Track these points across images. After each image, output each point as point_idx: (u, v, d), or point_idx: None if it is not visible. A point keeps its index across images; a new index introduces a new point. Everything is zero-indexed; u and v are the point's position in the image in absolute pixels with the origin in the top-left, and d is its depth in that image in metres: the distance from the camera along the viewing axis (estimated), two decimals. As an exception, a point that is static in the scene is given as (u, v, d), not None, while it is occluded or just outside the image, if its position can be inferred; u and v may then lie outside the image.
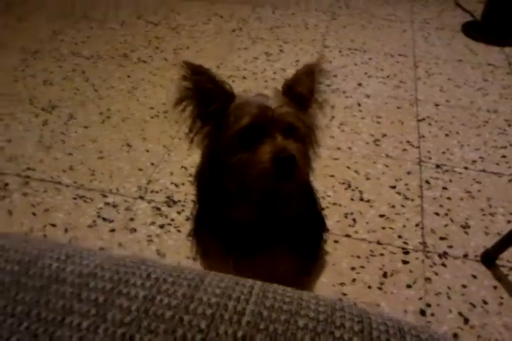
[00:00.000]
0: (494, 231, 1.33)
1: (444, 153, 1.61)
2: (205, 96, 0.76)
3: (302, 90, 0.79)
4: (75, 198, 1.37)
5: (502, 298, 1.16)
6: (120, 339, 0.35)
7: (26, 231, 1.26)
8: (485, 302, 1.15)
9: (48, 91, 1.81)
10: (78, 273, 0.41)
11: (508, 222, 1.36)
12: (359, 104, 1.81)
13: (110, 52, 2.07)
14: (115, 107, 1.74)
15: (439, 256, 1.26)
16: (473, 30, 2.35)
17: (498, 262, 1.24)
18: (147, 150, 1.55)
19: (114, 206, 1.35)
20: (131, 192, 1.40)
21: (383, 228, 1.33)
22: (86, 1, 2.50)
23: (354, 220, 1.34)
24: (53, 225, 1.29)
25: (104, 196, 1.38)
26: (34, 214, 1.32)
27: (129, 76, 1.92)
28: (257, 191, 0.76)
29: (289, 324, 0.37)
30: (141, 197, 1.38)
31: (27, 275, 0.41)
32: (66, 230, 1.27)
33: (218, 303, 0.38)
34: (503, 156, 1.60)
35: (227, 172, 0.77)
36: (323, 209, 1.29)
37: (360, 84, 1.93)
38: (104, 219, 1.31)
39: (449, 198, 1.43)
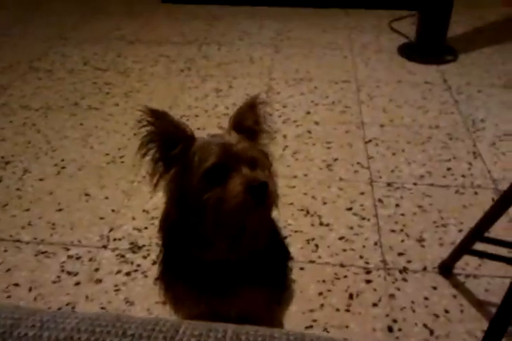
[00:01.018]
0: (448, 242, 1.39)
1: (392, 171, 1.69)
2: (167, 140, 0.78)
3: (248, 123, 0.84)
4: (36, 254, 1.36)
5: (462, 305, 1.22)
6: None
7: (-10, 292, 1.24)
8: (447, 312, 1.20)
9: (0, 147, 1.81)
10: (55, 339, 0.42)
11: (460, 231, 1.43)
12: (309, 132, 1.89)
13: (60, 101, 2.09)
14: (70, 157, 1.75)
15: (400, 271, 1.31)
16: (409, 52, 2.49)
17: (454, 271, 1.30)
18: (106, 198, 1.56)
19: (78, 258, 1.35)
20: (93, 242, 1.40)
21: (344, 250, 1.38)
22: (31, 52, 2.52)
23: (316, 245, 1.39)
24: (17, 285, 1.27)
25: (67, 249, 1.38)
26: (-4, 274, 1.30)
27: (81, 124, 1.94)
28: (233, 225, 0.79)
29: None
30: (105, 246, 1.39)
31: None
32: (30, 289, 1.26)
33: None
34: (449, 169, 1.69)
35: (199, 212, 0.79)
36: (285, 237, 1.32)
37: (308, 113, 2.01)
38: (69, 273, 1.30)
39: (402, 214, 1.50)
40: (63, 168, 1.69)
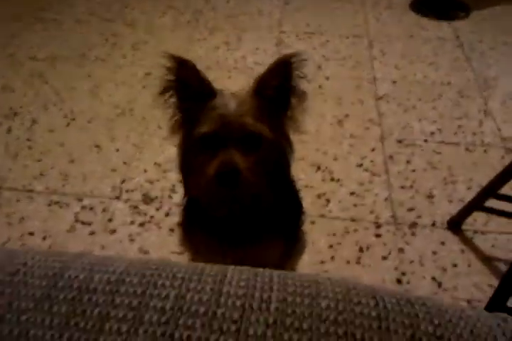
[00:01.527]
0: (457, 199, 1.41)
1: (404, 128, 1.68)
2: (187, 91, 0.77)
3: (275, 87, 0.77)
4: (49, 204, 1.37)
5: (469, 259, 1.25)
6: (161, 338, 0.38)
7: (4, 241, 1.27)
8: (455, 266, 1.23)
9: (8, 98, 1.78)
10: (107, 281, 0.43)
11: (469, 188, 1.45)
12: (320, 87, 1.86)
13: (67, 52, 2.04)
14: (79, 108, 1.73)
15: (409, 226, 1.34)
16: (420, 7, 2.42)
17: (463, 227, 1.32)
18: (117, 150, 1.56)
19: (91, 208, 1.37)
20: (106, 193, 1.41)
21: (355, 205, 1.39)
22: (35, 1, 2.43)
23: (327, 200, 1.40)
24: (31, 234, 1.29)
25: (80, 200, 1.39)
26: (10, 224, 1.32)
27: (89, 75, 1.91)
28: (209, 195, 0.80)
29: (313, 306, 0.41)
30: (117, 197, 1.40)
31: (56, 289, 0.42)
32: (44, 238, 1.28)
33: (245, 294, 0.42)
34: (459, 126, 1.69)
35: (192, 170, 0.80)
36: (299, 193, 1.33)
37: (319, 67, 1.98)
38: (83, 223, 1.32)
39: (412, 171, 1.51)
40: (73, 119, 1.68)
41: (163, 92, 0.78)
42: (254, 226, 0.89)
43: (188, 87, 0.76)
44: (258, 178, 0.78)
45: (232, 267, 0.47)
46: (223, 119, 0.74)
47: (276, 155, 0.81)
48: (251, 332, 0.39)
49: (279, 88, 0.77)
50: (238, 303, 0.41)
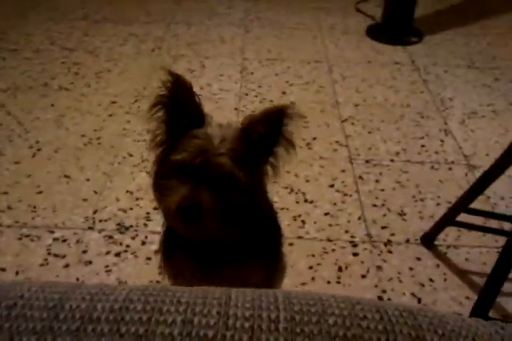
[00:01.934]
0: (427, 215, 1.46)
1: (370, 148, 1.73)
2: (177, 111, 0.76)
3: (259, 130, 0.76)
4: (20, 238, 1.32)
5: (445, 274, 1.28)
6: None
7: (-29, 278, 1.20)
8: (431, 281, 1.26)
9: (-31, 129, 1.72)
10: (110, 309, 0.41)
11: (438, 204, 1.50)
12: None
13: (29, 82, 2.00)
14: (45, 138, 1.69)
15: (384, 244, 1.36)
16: (376, 33, 2.54)
17: (436, 243, 1.36)
18: (87, 179, 1.53)
19: (64, 240, 1.32)
20: (79, 224, 1.37)
21: (330, 225, 1.41)
22: (-9, 31, 2.39)
23: (303, 222, 1.42)
24: (3, 269, 1.23)
25: (51, 232, 1.35)
26: (-22, 259, 1.26)
27: (52, 105, 1.87)
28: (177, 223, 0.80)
29: (321, 323, 0.41)
30: (91, 228, 1.36)
31: (58, 320, 0.40)
32: (17, 273, 1.23)
33: (252, 315, 0.41)
34: (423, 146, 1.76)
35: (162, 192, 0.79)
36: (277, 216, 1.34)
37: (284, 93, 2.02)
38: (56, 256, 1.28)
39: (382, 190, 1.55)
40: (39, 149, 1.64)
41: (154, 106, 0.76)
42: (233, 250, 0.89)
43: (179, 106, 0.76)
44: (222, 217, 0.76)
45: (235, 289, 0.47)
46: (203, 153, 0.73)
47: (246, 198, 0.79)
48: None
49: (265, 135, 0.76)
50: (247, 325, 0.41)
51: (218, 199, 0.74)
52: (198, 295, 0.45)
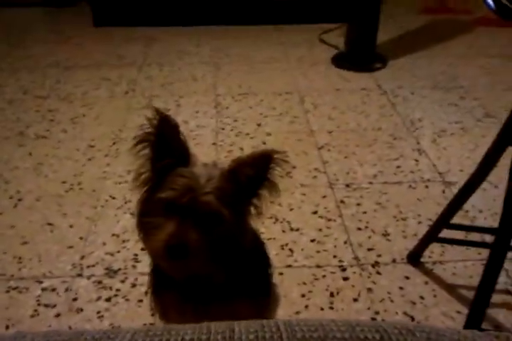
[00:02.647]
0: (411, 234, 1.49)
1: (348, 173, 1.78)
2: (163, 149, 0.77)
3: (247, 173, 0.78)
4: (7, 291, 1.30)
5: (434, 290, 1.30)
6: None
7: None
8: (422, 298, 1.28)
9: None
10: None
11: (419, 222, 1.53)
12: (264, 143, 1.94)
13: (4, 132, 2.01)
14: (25, 188, 1.69)
15: (372, 266, 1.38)
16: (342, 61, 2.64)
17: (422, 260, 1.39)
18: (71, 226, 1.52)
19: (53, 289, 1.31)
20: (66, 272, 1.36)
21: (318, 251, 1.43)
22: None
23: (291, 250, 1.43)
24: (-8, 323, 1.21)
25: (39, 282, 1.33)
26: (-35, 316, 1.23)
27: (30, 153, 1.88)
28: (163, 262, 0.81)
29: None
30: (79, 275, 1.35)
31: None
32: (7, 327, 1.20)
33: None
34: (398, 166, 1.81)
35: (147, 231, 0.80)
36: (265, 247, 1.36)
37: (259, 125, 2.07)
38: (46, 306, 1.26)
39: (364, 212, 1.58)
40: (20, 200, 1.63)
41: (139, 143, 0.78)
42: (220, 286, 0.90)
43: (165, 144, 0.77)
44: (207, 254, 0.77)
45: (237, 322, 0.48)
46: (189, 191, 0.74)
47: (230, 236, 0.81)
48: None
49: (252, 177, 0.78)
50: None
51: (204, 236, 0.75)
52: (202, 331, 0.46)
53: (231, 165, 0.79)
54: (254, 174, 0.78)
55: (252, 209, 0.82)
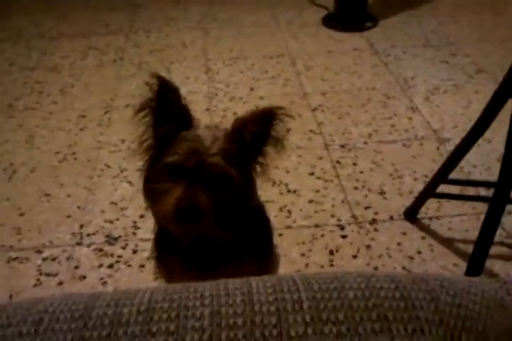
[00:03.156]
0: (406, 191, 1.50)
1: (343, 133, 1.77)
2: (165, 114, 0.76)
3: (251, 130, 0.78)
4: (8, 262, 1.31)
5: (431, 245, 1.32)
6: None
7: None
8: (419, 253, 1.30)
9: None
10: (137, 312, 0.42)
11: (415, 179, 1.54)
12: (257, 107, 1.92)
13: (-8, 105, 1.98)
14: (18, 160, 1.67)
15: (370, 223, 1.40)
16: (332, 22, 2.58)
17: (418, 216, 1.41)
18: (68, 196, 1.52)
19: (54, 259, 1.32)
20: (66, 241, 1.37)
21: (316, 212, 1.44)
22: None
23: (289, 211, 1.44)
24: (-4, 293, 1.22)
25: (40, 252, 1.34)
26: (-31, 287, 1.24)
27: (21, 125, 1.85)
28: (173, 226, 0.80)
29: (342, 298, 0.43)
30: (79, 243, 1.36)
31: (87, 329, 0.41)
32: (11, 296, 1.22)
33: (276, 299, 0.43)
34: (392, 125, 1.80)
35: (154, 197, 0.80)
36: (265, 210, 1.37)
37: (252, 89, 2.04)
38: (48, 275, 1.27)
39: (361, 172, 1.59)
40: (14, 172, 1.62)
41: (140, 110, 0.77)
42: (225, 248, 0.90)
43: (166, 109, 0.76)
44: (217, 215, 0.77)
45: (253, 277, 0.48)
46: (195, 154, 0.74)
47: (239, 197, 0.81)
48: (292, 333, 0.41)
49: (256, 135, 0.78)
50: (272, 308, 0.42)
51: (213, 198, 0.75)
52: (219, 287, 0.46)
53: (234, 124, 0.78)
54: (258, 131, 0.77)
55: (258, 168, 0.81)
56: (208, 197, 0.75)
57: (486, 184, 1.31)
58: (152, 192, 0.80)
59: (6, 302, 0.53)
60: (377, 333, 0.41)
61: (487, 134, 1.15)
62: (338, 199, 1.48)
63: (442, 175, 1.25)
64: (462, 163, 1.54)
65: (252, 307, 0.43)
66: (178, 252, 0.93)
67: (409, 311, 0.43)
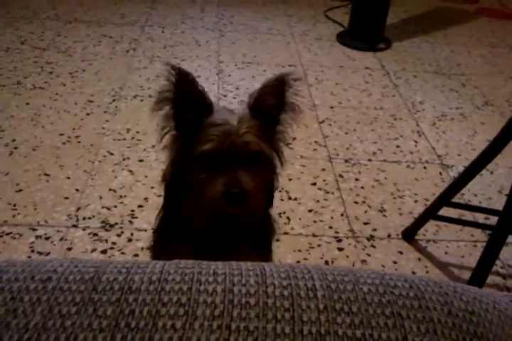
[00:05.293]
0: (406, 211, 1.51)
1: (348, 148, 1.78)
2: (185, 104, 0.76)
3: (270, 104, 0.78)
4: (0, 236, 1.28)
5: (427, 266, 1.33)
6: (218, 331, 0.38)
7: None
8: (414, 273, 1.30)
9: None
10: (149, 281, 0.42)
11: (416, 201, 1.55)
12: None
13: (0, 80, 1.94)
14: (21, 137, 1.65)
15: (367, 239, 1.40)
16: (346, 39, 2.61)
17: (416, 237, 1.41)
18: (68, 177, 1.50)
19: (47, 238, 1.29)
20: (61, 222, 1.34)
21: (314, 221, 1.44)
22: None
23: (288, 218, 1.44)
24: (-16, 267, 1.19)
25: (34, 229, 1.31)
26: (-46, 259, 1.21)
27: (27, 103, 1.83)
28: (211, 212, 0.80)
29: (356, 291, 0.43)
30: (75, 226, 1.34)
31: (97, 292, 0.40)
32: (0, 270, 1.18)
33: (290, 284, 0.43)
34: (397, 146, 1.82)
35: (186, 188, 0.79)
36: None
37: (262, 94, 2.05)
38: (40, 253, 1.24)
39: (362, 187, 1.60)
40: (15, 148, 1.59)
41: (159, 103, 0.76)
42: (232, 239, 0.90)
43: (186, 99, 0.76)
44: (261, 196, 0.78)
45: (266, 263, 0.48)
46: (226, 137, 0.74)
47: (273, 172, 0.83)
48: (305, 318, 0.41)
49: (275, 106, 0.79)
50: (286, 293, 0.42)
51: (255, 178, 0.75)
52: (232, 267, 0.46)
53: (251, 101, 0.79)
54: (276, 103, 0.78)
55: (280, 137, 0.82)
56: (250, 177, 0.75)
57: (490, 211, 1.32)
58: (185, 183, 0.79)
59: (13, 260, 0.51)
60: (389, 328, 0.41)
61: (489, 165, 1.18)
62: (337, 212, 1.48)
63: (444, 200, 1.26)
64: (463, 191, 1.56)
65: (266, 290, 0.42)
66: (185, 241, 0.91)
67: (422, 311, 0.43)
